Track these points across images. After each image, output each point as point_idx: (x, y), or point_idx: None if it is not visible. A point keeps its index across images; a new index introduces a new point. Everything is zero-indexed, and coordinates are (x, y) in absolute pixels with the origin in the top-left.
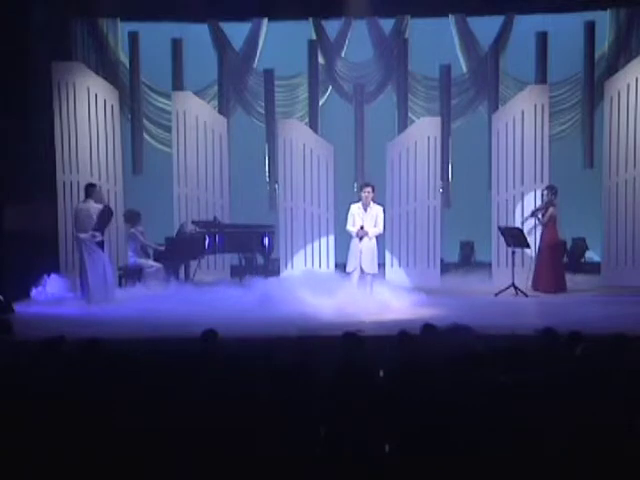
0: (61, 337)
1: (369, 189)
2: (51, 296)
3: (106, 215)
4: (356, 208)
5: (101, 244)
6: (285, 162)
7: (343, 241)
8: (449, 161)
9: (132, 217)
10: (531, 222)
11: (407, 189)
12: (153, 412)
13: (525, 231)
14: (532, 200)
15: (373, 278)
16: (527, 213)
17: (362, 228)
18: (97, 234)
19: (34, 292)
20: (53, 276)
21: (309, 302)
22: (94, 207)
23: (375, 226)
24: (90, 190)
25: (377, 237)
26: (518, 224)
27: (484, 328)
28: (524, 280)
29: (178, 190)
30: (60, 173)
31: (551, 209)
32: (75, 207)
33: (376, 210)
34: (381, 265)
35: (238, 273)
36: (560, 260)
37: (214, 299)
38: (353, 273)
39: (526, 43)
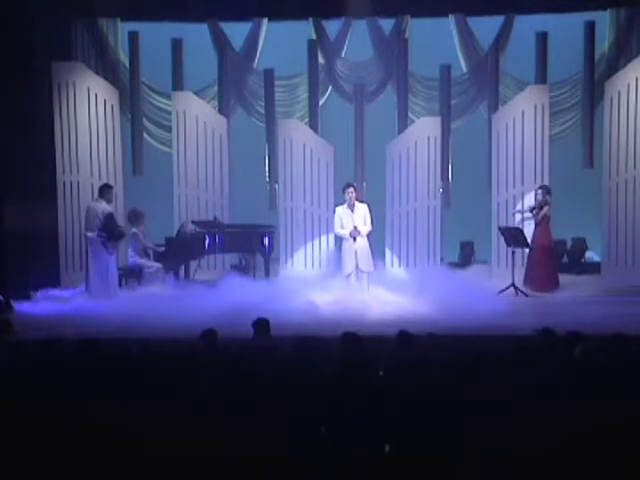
0: (61, 337)
1: (352, 189)
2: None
3: (109, 222)
4: (342, 210)
5: (107, 244)
6: (285, 162)
7: (342, 241)
8: (449, 161)
9: (136, 217)
10: (522, 217)
11: (407, 189)
12: (153, 412)
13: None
14: (532, 200)
15: (369, 276)
16: (520, 208)
17: (355, 228)
18: (102, 234)
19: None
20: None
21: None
22: (104, 208)
23: (365, 224)
24: (104, 190)
25: (369, 235)
26: (515, 219)
27: (484, 328)
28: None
29: (178, 190)
30: (60, 173)
31: (545, 208)
32: (87, 205)
33: (363, 209)
34: (382, 265)
35: (238, 273)
36: (552, 260)
37: (214, 299)
38: (350, 275)
39: (526, 43)
